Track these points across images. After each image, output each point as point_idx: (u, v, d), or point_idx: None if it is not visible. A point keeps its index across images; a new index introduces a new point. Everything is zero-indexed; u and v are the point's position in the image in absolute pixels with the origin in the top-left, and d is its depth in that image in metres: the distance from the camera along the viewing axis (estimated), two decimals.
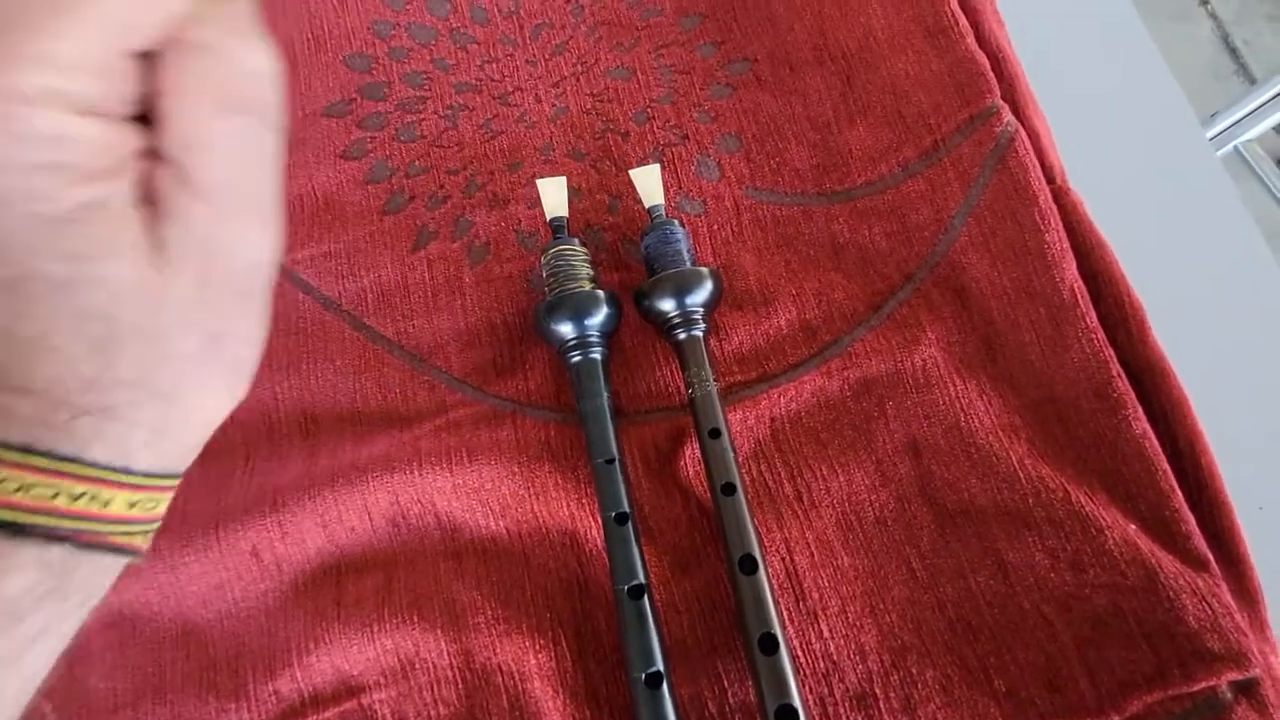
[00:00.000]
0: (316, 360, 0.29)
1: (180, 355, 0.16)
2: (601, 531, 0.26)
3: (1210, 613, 0.22)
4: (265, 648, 0.25)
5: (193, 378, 0.16)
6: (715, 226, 0.30)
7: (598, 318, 0.27)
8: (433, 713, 0.24)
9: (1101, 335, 0.26)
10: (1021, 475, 0.25)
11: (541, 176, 0.30)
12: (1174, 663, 0.22)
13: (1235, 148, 0.80)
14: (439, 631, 0.25)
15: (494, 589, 0.26)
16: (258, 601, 0.26)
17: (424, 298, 0.30)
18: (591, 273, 0.28)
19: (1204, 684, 0.22)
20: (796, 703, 0.22)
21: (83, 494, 0.14)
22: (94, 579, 0.15)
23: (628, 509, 0.25)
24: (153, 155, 0.15)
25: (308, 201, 0.31)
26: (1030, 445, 0.25)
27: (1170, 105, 0.33)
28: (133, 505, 0.15)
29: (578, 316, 0.26)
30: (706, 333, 0.27)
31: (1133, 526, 0.24)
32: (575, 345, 0.27)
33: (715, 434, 0.25)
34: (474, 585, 0.26)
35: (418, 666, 0.24)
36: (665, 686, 0.23)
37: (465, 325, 0.29)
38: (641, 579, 0.24)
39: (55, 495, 0.14)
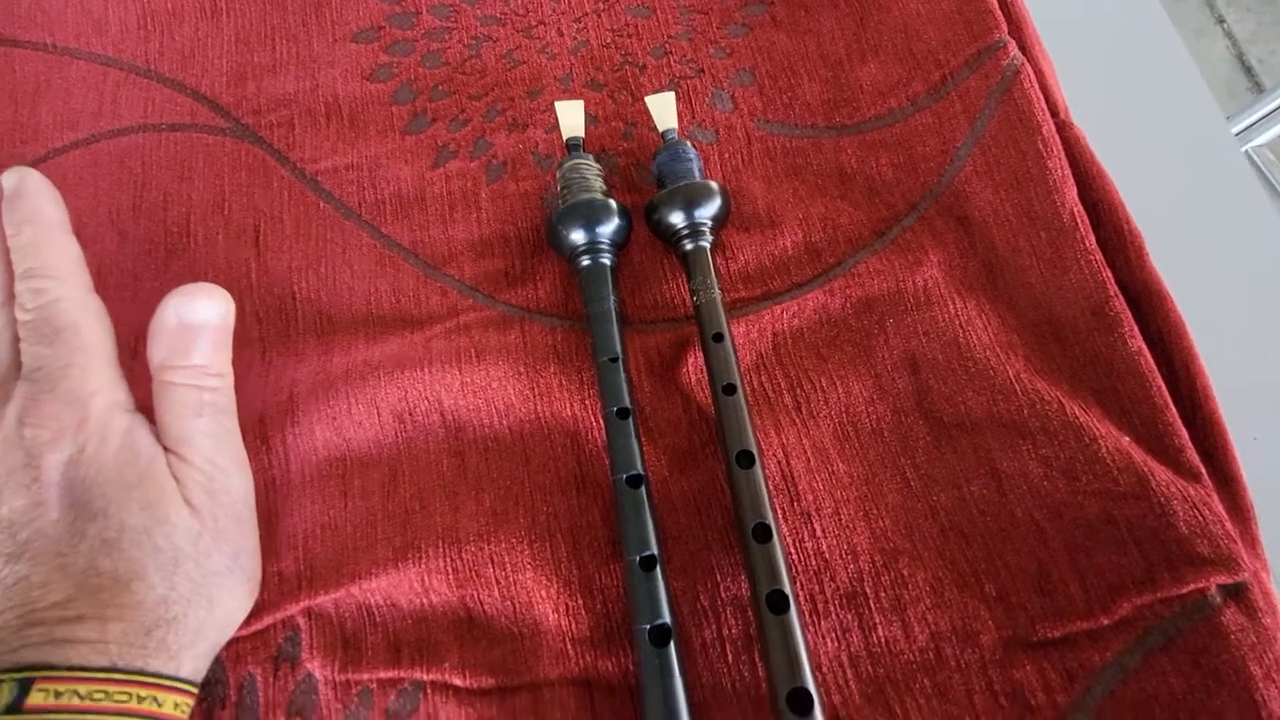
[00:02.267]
0: (335, 264, 0.30)
1: (216, 570, 0.22)
2: (602, 432, 0.26)
3: (1201, 519, 0.23)
4: (270, 530, 0.26)
5: (224, 586, 0.23)
6: (726, 155, 0.31)
7: (609, 226, 0.27)
8: (422, 601, 0.25)
9: (1100, 257, 0.26)
10: (1018, 388, 0.25)
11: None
12: (1163, 566, 0.22)
13: (1246, 153, 0.81)
14: (436, 524, 0.25)
15: (493, 485, 0.26)
16: (264, 487, 0.26)
17: (441, 210, 0.30)
18: (604, 187, 0.29)
19: (1193, 587, 0.22)
20: (788, 589, 0.22)
21: (147, 697, 0.20)
22: None
23: (629, 405, 0.25)
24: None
25: (333, 118, 0.32)
26: (1027, 361, 0.26)
27: (1171, 54, 0.33)
28: (177, 706, 0.21)
29: (589, 223, 0.27)
30: (714, 245, 0.28)
31: (1126, 438, 0.24)
32: (586, 251, 0.27)
33: (719, 338, 0.26)
34: (474, 481, 0.26)
35: (410, 557, 0.25)
36: (659, 570, 0.23)
37: (479, 236, 0.30)
38: (640, 469, 0.24)
39: (128, 699, 0.20)
